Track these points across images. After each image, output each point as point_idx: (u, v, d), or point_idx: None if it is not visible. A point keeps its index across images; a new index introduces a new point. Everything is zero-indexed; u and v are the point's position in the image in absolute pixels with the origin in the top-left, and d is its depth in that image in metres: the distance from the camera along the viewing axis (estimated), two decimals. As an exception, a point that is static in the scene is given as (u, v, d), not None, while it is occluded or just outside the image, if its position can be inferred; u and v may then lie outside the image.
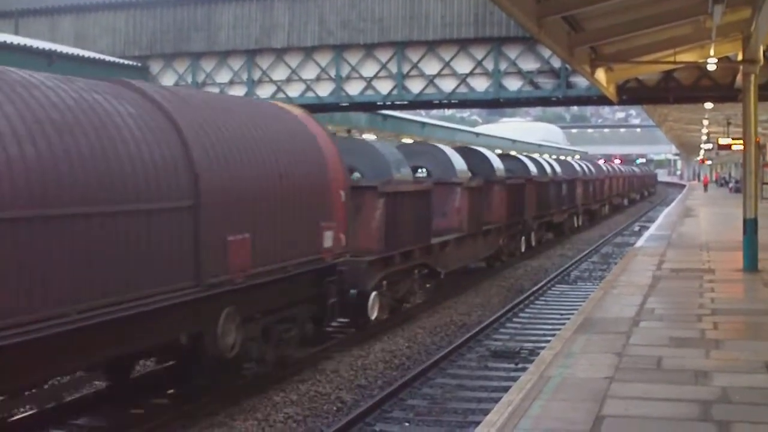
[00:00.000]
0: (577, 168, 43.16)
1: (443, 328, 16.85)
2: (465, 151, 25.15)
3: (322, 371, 13.09)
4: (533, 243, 30.07)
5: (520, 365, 13.49)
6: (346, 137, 28.84)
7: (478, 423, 7.42)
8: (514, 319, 18.17)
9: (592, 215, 47.72)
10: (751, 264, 16.83)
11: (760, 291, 14.57)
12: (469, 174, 22.20)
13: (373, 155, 17.14)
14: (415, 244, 17.49)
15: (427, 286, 19.31)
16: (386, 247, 15.88)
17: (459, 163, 21.82)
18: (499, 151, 53.98)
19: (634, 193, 76.97)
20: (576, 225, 41.22)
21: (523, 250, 28.19)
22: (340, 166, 13.36)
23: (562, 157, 57.57)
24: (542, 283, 22.83)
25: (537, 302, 20.44)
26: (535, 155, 44.40)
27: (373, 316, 15.64)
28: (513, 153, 39.39)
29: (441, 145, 23.21)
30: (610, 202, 56.20)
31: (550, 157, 53.66)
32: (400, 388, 12.11)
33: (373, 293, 15.56)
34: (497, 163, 25.46)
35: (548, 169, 34.31)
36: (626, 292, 14.30)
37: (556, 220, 34.91)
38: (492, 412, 7.48)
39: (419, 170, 21.09)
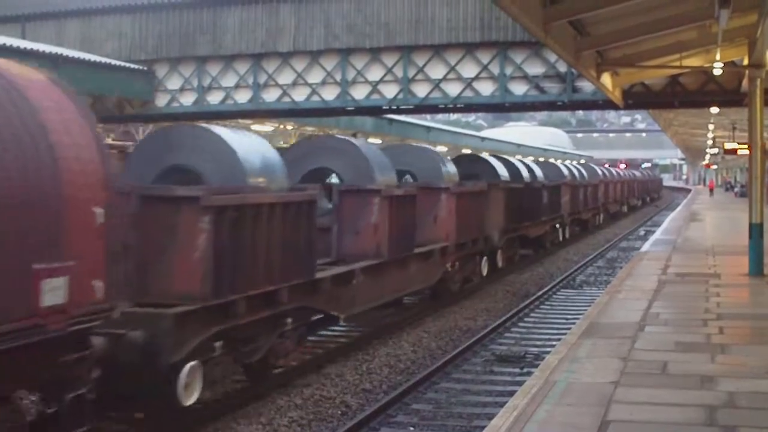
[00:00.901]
0: (564, 171, 39.18)
1: (448, 332, 16.84)
2: (398, 150, 21.98)
3: (327, 375, 13.09)
4: (500, 264, 24.58)
5: (525, 370, 13.48)
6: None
7: (483, 428, 7.41)
8: (520, 324, 18.16)
9: (585, 225, 43.04)
10: (756, 269, 16.79)
11: (766, 296, 14.54)
12: (399, 178, 18.83)
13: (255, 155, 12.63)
14: (282, 281, 11.77)
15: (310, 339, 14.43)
16: (216, 290, 10.31)
17: (382, 165, 16.89)
18: (468, 151, 53.19)
19: (635, 200, 71.53)
20: (562, 238, 35.85)
21: (485, 273, 22.83)
22: (101, 165, 7.96)
23: (558, 161, 51.10)
24: (547, 288, 22.81)
25: (542, 307, 20.42)
26: (515, 157, 37.03)
27: (189, 400, 10.12)
28: (483, 155, 32.45)
29: (359, 141, 18.34)
30: (606, 210, 51.14)
31: (563, 160, 52.14)
32: (405, 392, 12.10)
33: (188, 365, 9.98)
34: (448, 167, 21.21)
35: (524, 172, 29.48)
36: (632, 297, 14.28)
37: (534, 233, 29.35)
38: (497, 416, 7.47)
39: (332, 175, 17.58)
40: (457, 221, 19.67)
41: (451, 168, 21.44)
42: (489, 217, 22.57)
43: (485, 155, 31.37)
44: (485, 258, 22.77)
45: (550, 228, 32.52)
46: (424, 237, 18.36)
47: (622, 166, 79.90)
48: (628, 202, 65.32)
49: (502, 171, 26.46)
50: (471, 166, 25.45)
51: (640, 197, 76.86)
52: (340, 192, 15.60)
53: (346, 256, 15.19)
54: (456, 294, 20.59)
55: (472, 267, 21.80)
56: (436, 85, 27.24)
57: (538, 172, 32.61)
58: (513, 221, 25.62)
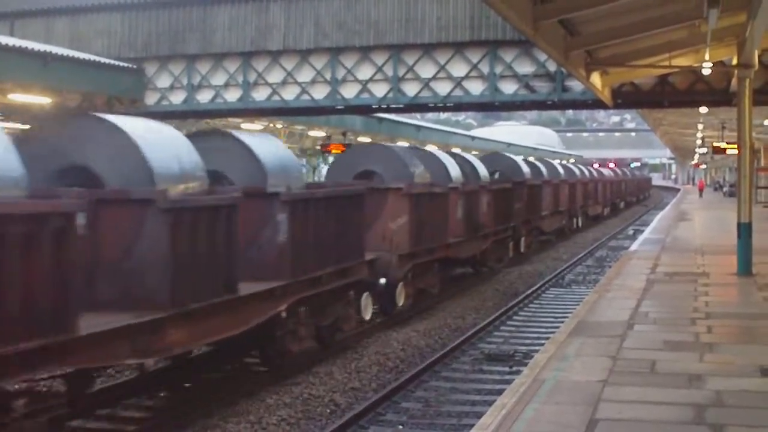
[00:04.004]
0: (524, 168, 31.96)
1: (437, 330, 16.84)
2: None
3: (316, 374, 13.07)
4: (400, 303, 17.14)
5: (514, 368, 13.49)
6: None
7: (471, 426, 7.41)
8: (509, 323, 18.19)
9: (560, 232, 37.75)
10: (745, 268, 16.84)
11: (754, 295, 14.58)
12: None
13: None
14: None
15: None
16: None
17: (271, 162, 13.00)
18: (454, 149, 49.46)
19: (620, 200, 65.75)
20: (514, 252, 28.04)
21: (367, 317, 15.79)
22: None
23: (520, 157, 37.58)
24: (537, 287, 22.84)
25: (531, 305, 20.45)
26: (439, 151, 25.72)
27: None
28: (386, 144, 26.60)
29: (245, 136, 13.57)
30: (585, 214, 45.43)
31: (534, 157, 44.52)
32: (393, 390, 12.11)
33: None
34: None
35: (452, 170, 21.58)
36: (620, 296, 14.31)
37: (467, 253, 21.90)
38: (486, 415, 7.48)
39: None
40: (324, 241, 13.55)
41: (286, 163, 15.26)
42: (386, 235, 17.16)
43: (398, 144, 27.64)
44: (366, 295, 15.68)
45: (495, 242, 24.92)
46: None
47: (611, 165, 79.36)
48: (611, 204, 59.85)
49: (415, 168, 18.82)
50: (365, 155, 19.93)
51: (624, 199, 70.09)
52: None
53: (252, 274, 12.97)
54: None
55: (347, 310, 14.79)
56: (426, 84, 27.24)
57: (482, 169, 25.10)
58: (426, 239, 18.19)
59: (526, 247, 29.78)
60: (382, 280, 16.27)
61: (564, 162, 55.24)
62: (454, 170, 21.88)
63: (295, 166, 14.35)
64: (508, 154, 34.42)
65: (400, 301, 17.25)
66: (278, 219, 12.13)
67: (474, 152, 47.40)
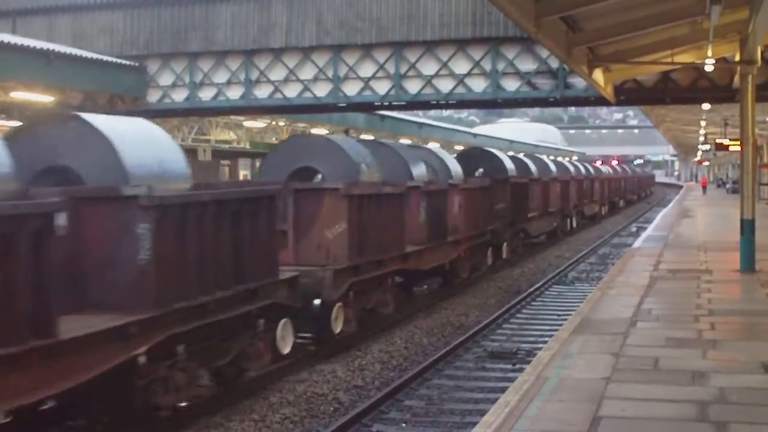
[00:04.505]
0: (508, 165, 28.69)
1: (440, 328, 16.84)
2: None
3: (320, 372, 13.08)
4: (337, 328, 14.18)
5: (517, 366, 13.48)
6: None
7: (475, 424, 7.41)
8: (512, 320, 18.17)
9: (552, 234, 35.10)
10: (748, 265, 16.82)
11: (757, 291, 14.56)
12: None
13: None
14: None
15: None
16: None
17: (135, 155, 10.42)
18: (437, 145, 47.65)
19: (619, 199, 62.93)
20: (504, 256, 25.73)
21: (285, 350, 12.46)
22: None
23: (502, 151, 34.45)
24: (539, 284, 22.83)
25: (534, 303, 20.43)
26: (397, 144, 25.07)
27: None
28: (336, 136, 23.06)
29: (97, 118, 11.12)
30: (580, 214, 43.21)
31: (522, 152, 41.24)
32: (397, 388, 12.10)
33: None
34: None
35: (415, 167, 19.18)
36: (623, 293, 14.29)
37: (431, 263, 18.78)
38: (489, 413, 7.48)
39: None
40: (213, 259, 10.89)
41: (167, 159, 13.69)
42: (314, 246, 14.55)
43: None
44: (279, 325, 12.30)
45: (468, 251, 21.88)
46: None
47: (614, 162, 79.04)
48: (611, 203, 57.03)
49: (357, 163, 16.08)
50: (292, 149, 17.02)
51: (624, 197, 67.26)
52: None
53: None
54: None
55: (255, 348, 12.02)
56: (428, 81, 27.22)
57: (454, 166, 22.63)
58: (369, 251, 15.29)
59: (510, 253, 26.65)
60: (317, 301, 13.58)
61: (558, 159, 53.05)
62: (418, 167, 19.41)
63: (179, 162, 11.17)
64: (490, 149, 30.88)
65: (338, 327, 14.16)
66: (137, 231, 9.13)
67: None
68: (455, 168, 22.43)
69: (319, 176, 16.00)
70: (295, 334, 12.77)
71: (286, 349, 12.43)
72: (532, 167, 33.05)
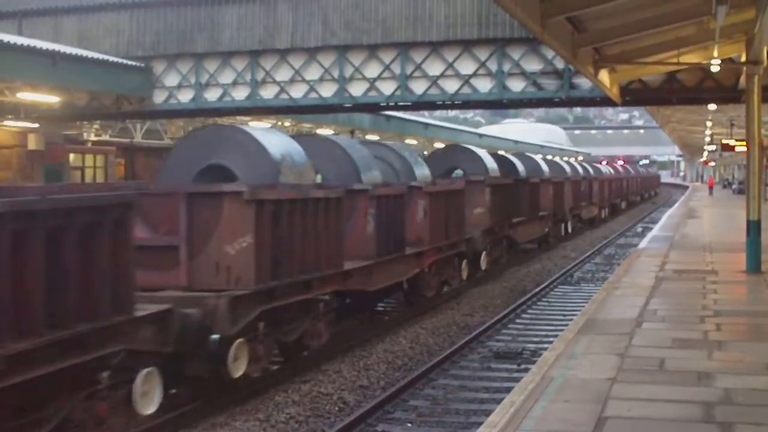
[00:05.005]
0: (490, 165, 25.26)
1: (446, 328, 16.84)
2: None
3: (325, 371, 13.08)
4: (236, 373, 11.05)
5: (522, 366, 13.47)
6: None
7: (480, 424, 7.41)
8: (517, 320, 18.16)
9: (545, 240, 32.36)
10: (754, 265, 16.79)
11: (763, 292, 14.54)
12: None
13: None
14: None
15: None
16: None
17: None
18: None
19: (621, 200, 59.66)
20: (482, 267, 22.45)
21: (147, 411, 9.23)
22: None
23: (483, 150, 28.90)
24: (545, 284, 22.81)
25: (540, 303, 20.42)
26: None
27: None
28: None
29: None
30: (577, 218, 40.46)
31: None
32: (402, 388, 12.10)
33: None
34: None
35: (364, 168, 16.32)
36: (629, 293, 14.28)
37: (382, 283, 15.96)
38: (494, 413, 7.47)
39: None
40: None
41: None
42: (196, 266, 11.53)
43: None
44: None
45: (435, 264, 18.86)
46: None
47: (620, 162, 78.78)
48: (612, 205, 53.80)
49: (278, 160, 13.22)
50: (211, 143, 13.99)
51: (626, 198, 63.78)
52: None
53: None
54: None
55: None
56: (434, 81, 27.24)
57: (419, 166, 19.75)
58: (287, 270, 12.20)
59: (490, 264, 23.31)
60: (215, 336, 10.59)
61: (556, 158, 50.61)
62: (368, 168, 16.49)
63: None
64: (469, 147, 28.05)
65: (238, 369, 11.08)
66: None
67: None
68: (421, 169, 19.52)
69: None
70: (166, 390, 9.72)
71: (150, 409, 9.20)
72: (520, 167, 29.79)
